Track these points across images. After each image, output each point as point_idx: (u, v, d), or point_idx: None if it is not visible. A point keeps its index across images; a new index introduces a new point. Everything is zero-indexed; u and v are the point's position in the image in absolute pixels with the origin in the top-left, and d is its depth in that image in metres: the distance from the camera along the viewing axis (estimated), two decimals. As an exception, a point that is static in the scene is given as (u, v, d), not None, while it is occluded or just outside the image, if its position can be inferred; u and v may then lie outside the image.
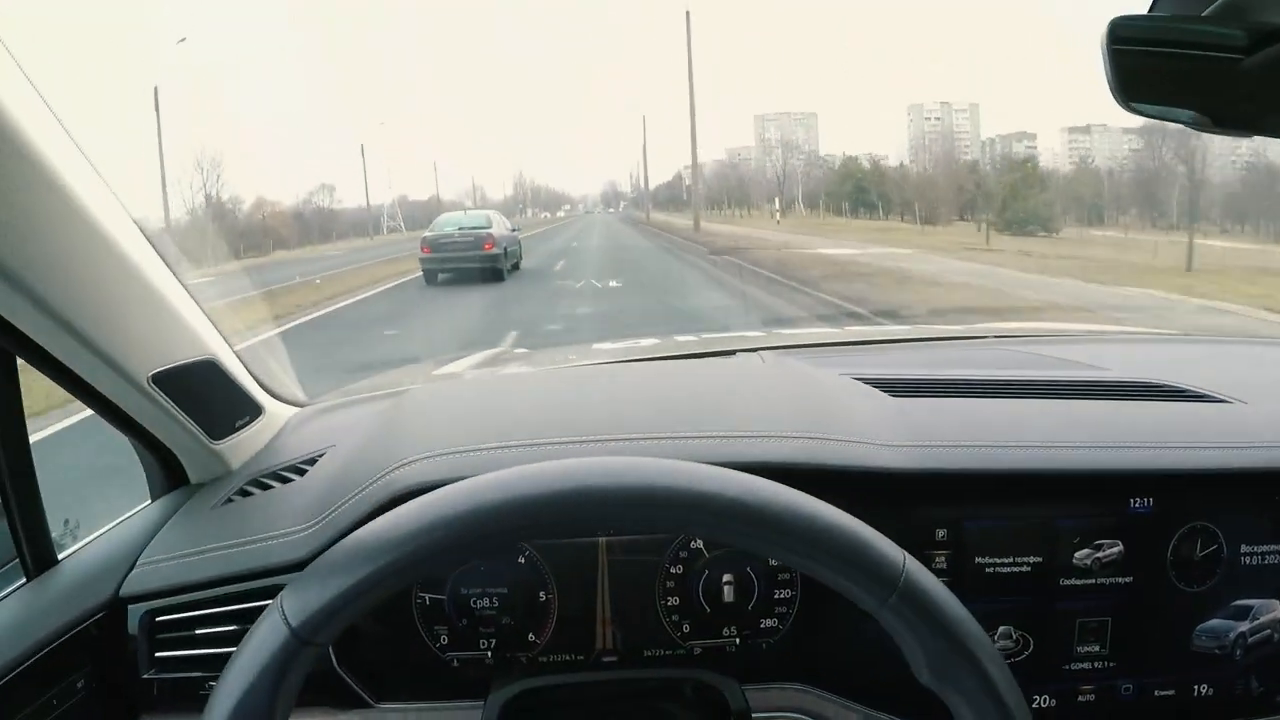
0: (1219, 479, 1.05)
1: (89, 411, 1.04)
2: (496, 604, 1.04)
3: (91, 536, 1.10)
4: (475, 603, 1.04)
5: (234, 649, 0.65)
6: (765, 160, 51.31)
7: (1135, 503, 1.02)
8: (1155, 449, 1.05)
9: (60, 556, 1.02)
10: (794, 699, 1.01)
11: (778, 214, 40.07)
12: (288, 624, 0.63)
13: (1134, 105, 0.70)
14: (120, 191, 0.93)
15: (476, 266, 14.90)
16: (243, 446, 1.23)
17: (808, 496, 0.68)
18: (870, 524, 0.68)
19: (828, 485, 0.79)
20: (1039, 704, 1.03)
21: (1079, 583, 1.02)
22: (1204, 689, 1.05)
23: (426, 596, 1.03)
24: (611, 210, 68.70)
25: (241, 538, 1.05)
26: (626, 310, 10.85)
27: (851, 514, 0.68)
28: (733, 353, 1.61)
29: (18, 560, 0.98)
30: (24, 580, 0.98)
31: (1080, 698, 1.04)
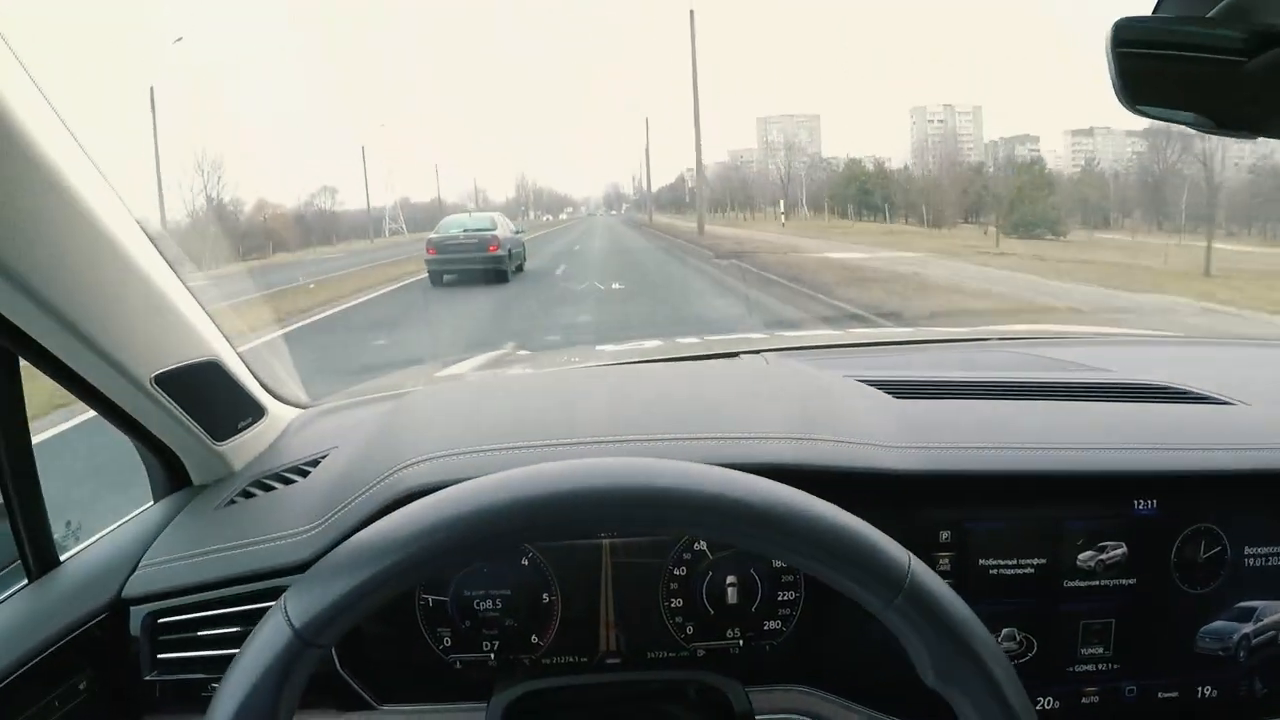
0: (1223, 480, 1.04)
1: (92, 413, 1.04)
2: (500, 606, 1.04)
3: (94, 538, 1.10)
4: (478, 604, 1.04)
5: (237, 650, 0.65)
6: (768, 163, 51.31)
7: (1139, 504, 1.02)
8: (1159, 450, 1.05)
9: (62, 558, 1.02)
10: (798, 701, 1.00)
11: (782, 217, 39.99)
12: (291, 625, 0.63)
13: (1139, 108, 0.70)
14: (123, 193, 0.93)
15: (481, 268, 14.95)
16: (245, 448, 1.23)
17: (813, 498, 0.68)
18: (874, 525, 0.68)
19: (831, 486, 0.79)
20: (1042, 706, 1.03)
21: (1083, 584, 1.02)
22: (1208, 691, 1.04)
23: (430, 598, 1.03)
24: (614, 213, 68.58)
25: (244, 539, 1.05)
26: (631, 318, 10.64)
27: (855, 515, 0.68)
28: (736, 354, 1.62)
29: (20, 561, 0.98)
30: (26, 581, 0.98)
31: (1084, 699, 1.04)
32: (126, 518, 1.15)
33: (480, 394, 1.44)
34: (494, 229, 16.24)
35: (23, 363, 0.92)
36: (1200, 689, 1.04)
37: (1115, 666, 1.04)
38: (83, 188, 0.85)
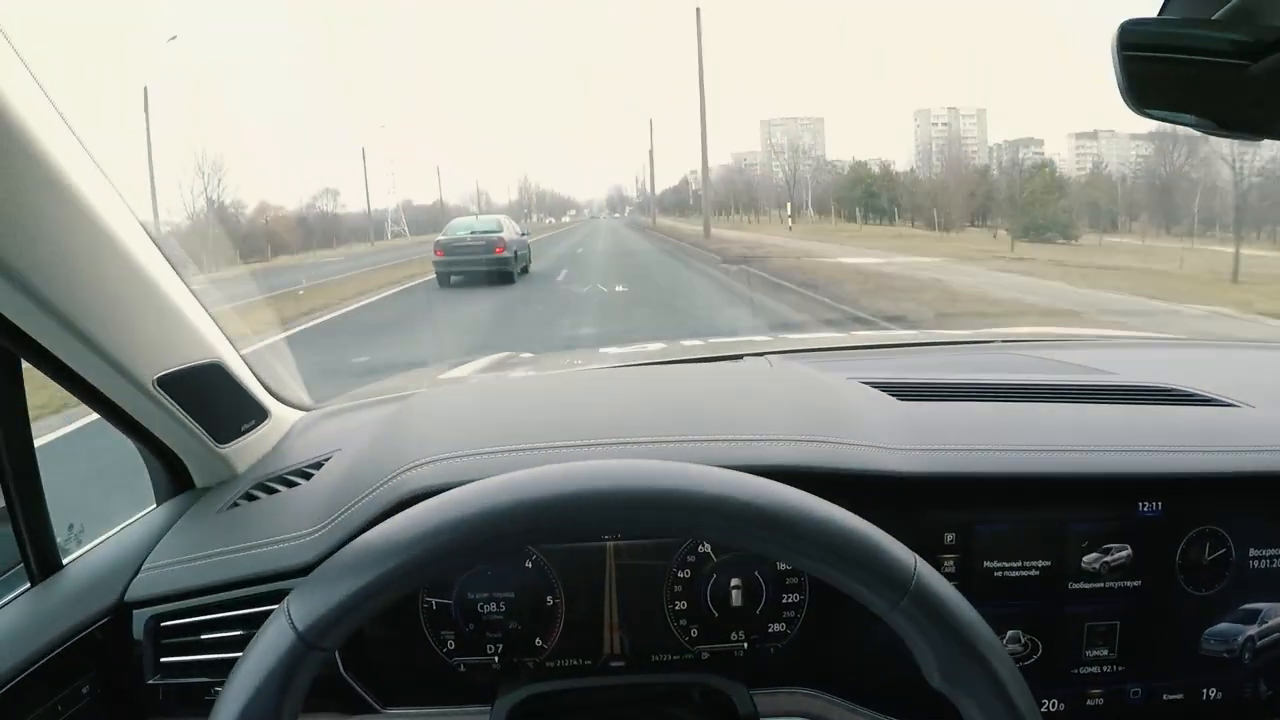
0: (1227, 483, 1.04)
1: (94, 415, 1.04)
2: (503, 608, 1.03)
3: (96, 541, 1.10)
4: (482, 607, 1.03)
5: (240, 654, 0.65)
6: (772, 165, 51.25)
7: (1144, 506, 1.02)
8: (1163, 453, 1.05)
9: (65, 561, 1.02)
10: (802, 703, 1.00)
11: (790, 220, 39.87)
12: (294, 628, 0.63)
13: (1146, 110, 0.70)
14: (125, 193, 0.93)
15: (488, 269, 15.03)
16: (248, 450, 1.23)
17: (818, 499, 0.68)
18: (879, 528, 0.68)
19: (836, 489, 0.79)
20: (1047, 708, 1.03)
21: (1087, 586, 1.02)
22: (1212, 693, 1.04)
23: (433, 601, 1.03)
24: (617, 215, 68.51)
25: (247, 542, 1.05)
26: (636, 333, 10.01)
27: (860, 518, 0.68)
28: (740, 357, 1.61)
29: (22, 565, 0.98)
30: (28, 585, 0.98)
31: (1089, 701, 1.04)
32: (129, 521, 1.15)
33: (484, 396, 1.44)
34: (500, 231, 16.34)
35: (25, 365, 0.92)
36: (1205, 691, 1.04)
37: (1120, 668, 1.04)
38: (85, 188, 0.85)
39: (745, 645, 1.05)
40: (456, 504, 0.66)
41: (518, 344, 8.86)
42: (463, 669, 1.05)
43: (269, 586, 1.00)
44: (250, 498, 1.16)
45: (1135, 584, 1.02)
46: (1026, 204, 29.82)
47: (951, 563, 1.01)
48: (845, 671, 1.02)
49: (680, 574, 1.03)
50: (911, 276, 14.09)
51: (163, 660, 1.02)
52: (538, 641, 1.04)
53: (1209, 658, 1.04)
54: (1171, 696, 1.04)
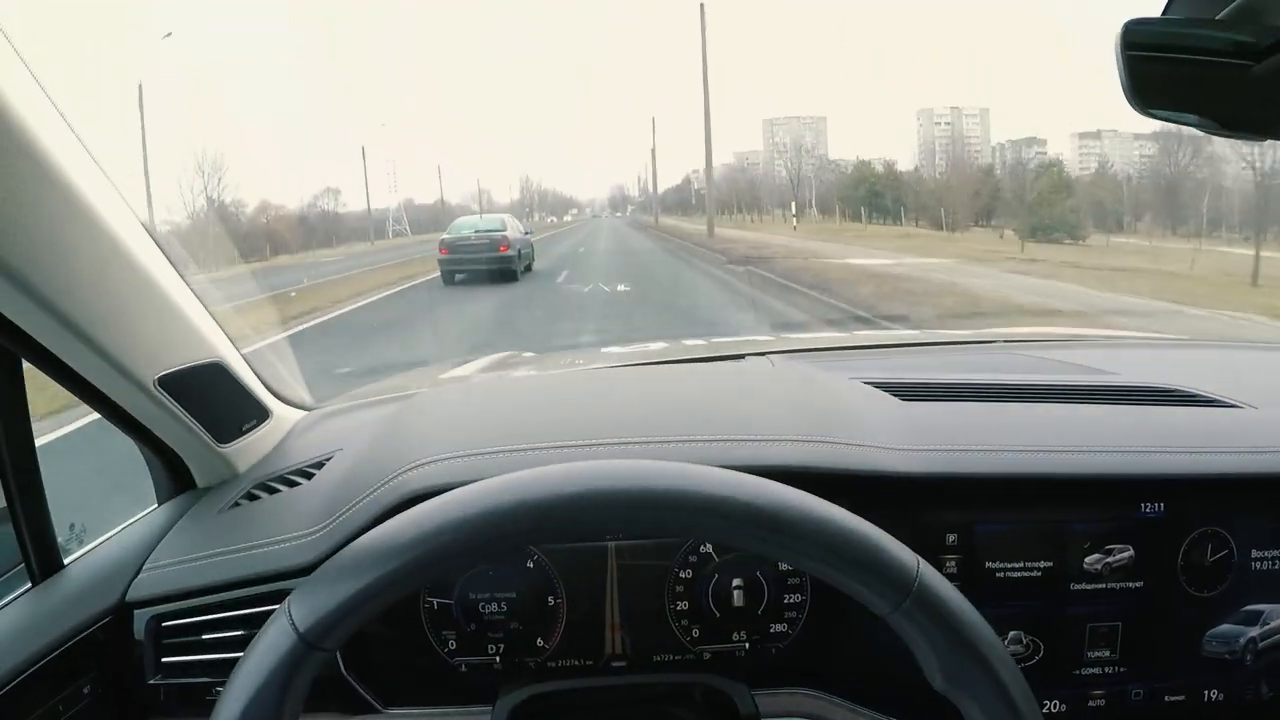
0: (1230, 484, 1.04)
1: (95, 415, 1.04)
2: (505, 609, 1.03)
3: (97, 541, 1.10)
4: (483, 607, 1.03)
5: (241, 654, 0.65)
6: (775, 164, 51.16)
7: (1146, 507, 1.01)
8: (1166, 454, 1.05)
9: (66, 561, 1.02)
10: (804, 704, 1.00)
11: (794, 219, 39.72)
12: (295, 628, 0.63)
13: (1149, 110, 0.70)
14: (126, 193, 0.93)
15: (491, 268, 15.08)
16: (249, 450, 1.23)
17: (820, 500, 0.68)
18: (881, 528, 0.68)
19: (838, 489, 0.79)
20: (1049, 709, 1.03)
21: (1089, 587, 1.02)
22: (1214, 694, 1.04)
23: (435, 601, 1.03)
24: (619, 214, 68.33)
25: (248, 542, 1.05)
26: (640, 332, 9.75)
27: (862, 518, 0.68)
28: (741, 356, 1.61)
29: (23, 565, 0.98)
30: (29, 585, 0.98)
31: (1090, 702, 1.04)
32: (130, 521, 1.15)
33: (485, 396, 1.44)
34: (504, 230, 16.43)
35: (26, 365, 0.92)
36: (1207, 692, 1.04)
37: (1122, 669, 1.03)
38: (86, 187, 0.85)
39: (747, 645, 1.05)
40: (458, 504, 0.66)
41: (519, 343, 8.84)
42: (464, 669, 1.04)
43: (270, 586, 1.00)
44: (251, 497, 1.16)
45: (1137, 585, 1.02)
46: (1035, 204, 29.65)
47: (953, 563, 1.01)
48: (847, 672, 1.02)
49: (682, 574, 1.03)
50: (926, 279, 13.56)
51: (164, 660, 1.02)
52: (539, 641, 1.04)
53: (1211, 659, 1.04)
54: (1173, 698, 1.04)
